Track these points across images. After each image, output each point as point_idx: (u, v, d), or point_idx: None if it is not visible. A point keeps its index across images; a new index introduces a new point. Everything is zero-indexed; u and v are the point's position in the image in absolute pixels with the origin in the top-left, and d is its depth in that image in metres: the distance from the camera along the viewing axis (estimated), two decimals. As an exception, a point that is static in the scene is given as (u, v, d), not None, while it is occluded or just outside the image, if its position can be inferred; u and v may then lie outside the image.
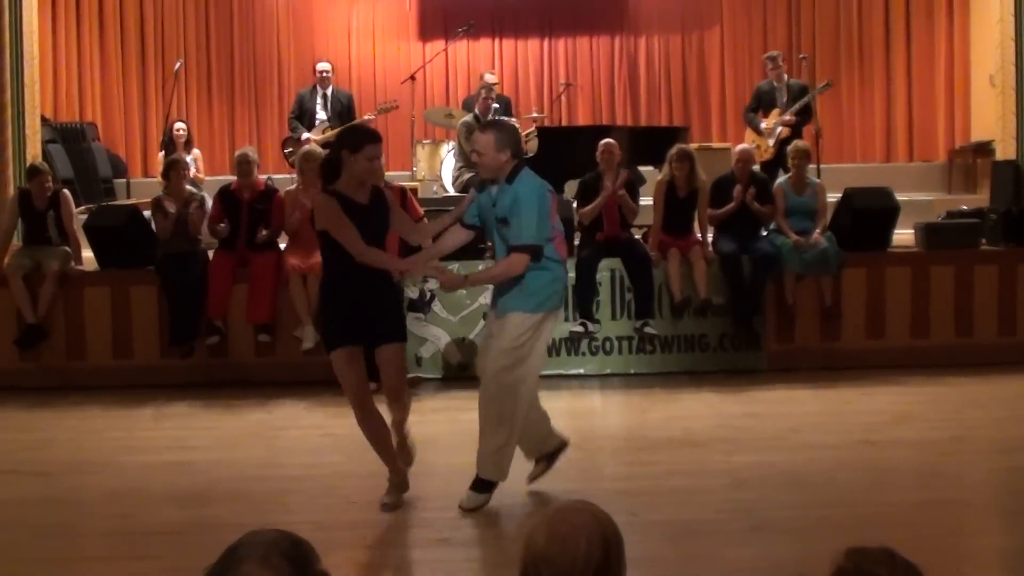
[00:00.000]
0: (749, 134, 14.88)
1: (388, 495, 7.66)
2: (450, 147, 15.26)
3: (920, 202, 15.39)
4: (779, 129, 14.44)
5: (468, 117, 14.58)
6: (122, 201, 15.91)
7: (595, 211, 11.77)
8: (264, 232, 11.63)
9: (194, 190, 12.37)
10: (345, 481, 8.10)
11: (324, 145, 13.78)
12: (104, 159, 17.77)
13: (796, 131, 14.49)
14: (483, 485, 7.64)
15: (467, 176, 14.13)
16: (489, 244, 10.30)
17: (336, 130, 14.71)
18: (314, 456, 8.87)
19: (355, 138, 7.50)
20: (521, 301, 7.44)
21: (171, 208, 11.80)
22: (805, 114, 14.73)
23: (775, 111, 14.61)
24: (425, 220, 11.20)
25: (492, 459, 7.59)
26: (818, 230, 12.01)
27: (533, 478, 7.95)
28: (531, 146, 14.87)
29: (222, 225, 11.60)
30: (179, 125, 15.41)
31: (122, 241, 12.05)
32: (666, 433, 9.58)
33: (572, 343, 11.82)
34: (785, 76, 15.04)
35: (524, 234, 7.35)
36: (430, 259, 7.96)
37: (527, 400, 7.63)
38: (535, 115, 17.00)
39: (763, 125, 14.62)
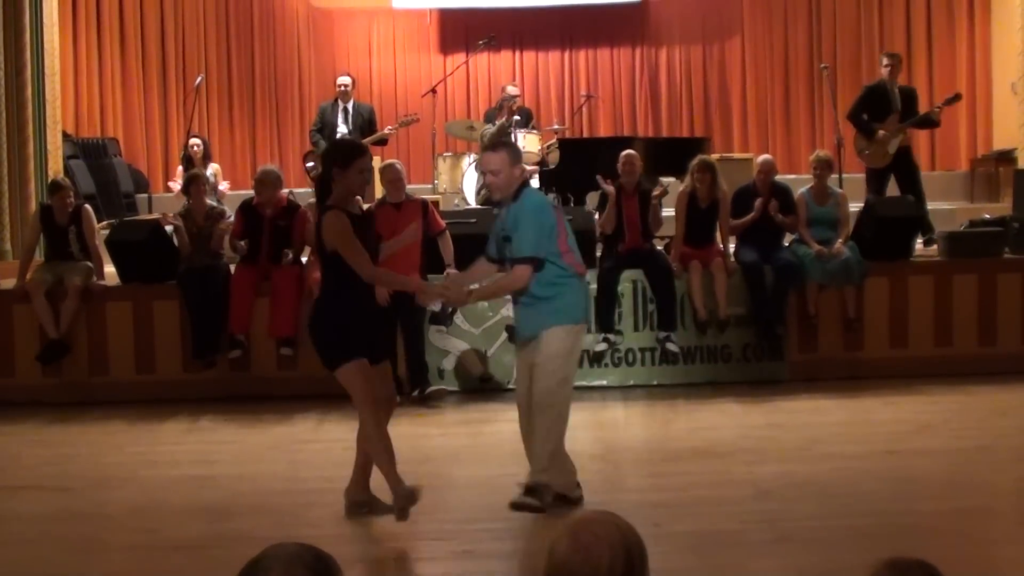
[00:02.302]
0: (859, 139, 14.16)
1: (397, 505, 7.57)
2: (471, 160, 15.24)
3: (942, 211, 15.34)
4: (901, 136, 13.85)
5: (489, 129, 14.57)
6: (144, 216, 15.95)
7: (611, 217, 11.75)
8: (290, 255, 11.62)
9: (214, 204, 12.38)
10: (368, 494, 8.09)
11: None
12: (126, 174, 17.81)
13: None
14: (534, 490, 7.44)
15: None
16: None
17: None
18: (336, 469, 8.83)
19: (343, 153, 7.56)
20: (558, 317, 7.44)
21: (176, 222, 11.85)
22: (929, 123, 14.46)
23: (892, 116, 13.90)
24: (447, 233, 11.24)
25: (550, 465, 7.50)
26: (840, 240, 11.97)
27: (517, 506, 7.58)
28: (552, 158, 14.88)
29: (241, 243, 11.60)
30: (194, 140, 15.47)
31: (144, 256, 12.07)
32: (689, 444, 9.56)
33: (595, 354, 11.79)
34: (897, 79, 14.33)
35: (524, 247, 7.36)
36: (456, 287, 7.86)
37: (568, 408, 7.64)
38: (556, 127, 17.01)
39: (881, 131, 13.84)
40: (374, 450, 7.53)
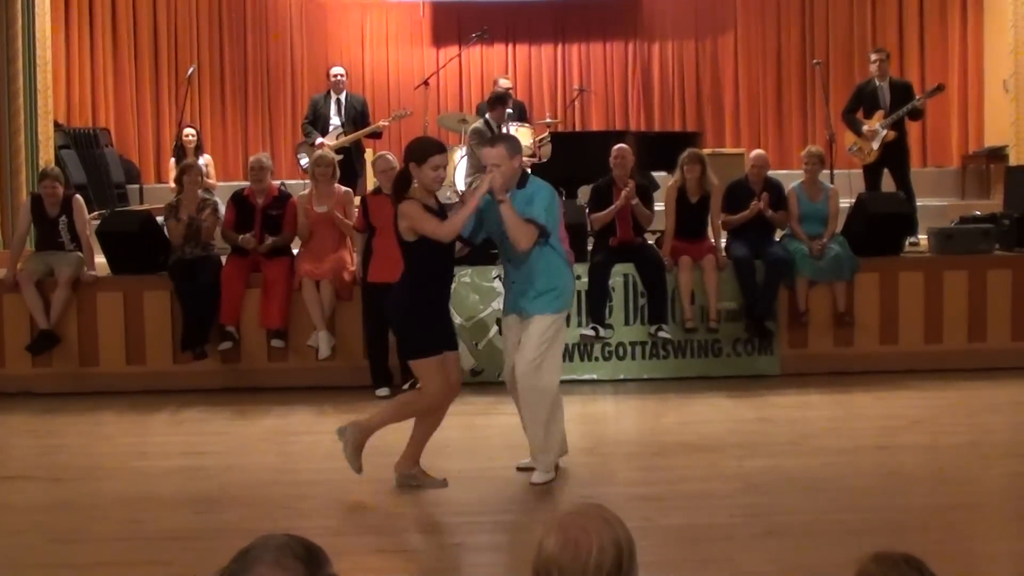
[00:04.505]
0: (849, 136, 14.32)
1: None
2: (463, 152, 15.23)
3: (933, 207, 15.37)
4: (883, 132, 13.83)
5: (479, 123, 14.56)
6: (135, 207, 15.92)
7: (607, 219, 11.75)
8: (270, 240, 11.63)
9: (207, 196, 12.35)
10: (358, 487, 8.09)
11: (338, 151, 13.79)
12: (117, 165, 17.76)
13: (902, 132, 14.02)
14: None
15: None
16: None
17: (352, 135, 14.76)
18: (327, 462, 8.84)
19: (420, 151, 7.85)
20: (547, 304, 7.98)
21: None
22: (914, 115, 14.16)
23: (878, 113, 13.98)
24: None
25: (543, 449, 8.22)
26: (825, 237, 11.96)
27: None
28: (544, 151, 14.86)
29: (245, 236, 11.57)
30: (188, 131, 15.42)
31: (135, 247, 12.05)
32: (679, 438, 9.56)
33: (585, 348, 11.81)
34: (888, 75, 14.32)
35: (537, 215, 7.83)
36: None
37: (555, 392, 8.20)
38: (548, 120, 16.99)
39: (865, 127, 13.99)
40: (424, 429, 8.22)
